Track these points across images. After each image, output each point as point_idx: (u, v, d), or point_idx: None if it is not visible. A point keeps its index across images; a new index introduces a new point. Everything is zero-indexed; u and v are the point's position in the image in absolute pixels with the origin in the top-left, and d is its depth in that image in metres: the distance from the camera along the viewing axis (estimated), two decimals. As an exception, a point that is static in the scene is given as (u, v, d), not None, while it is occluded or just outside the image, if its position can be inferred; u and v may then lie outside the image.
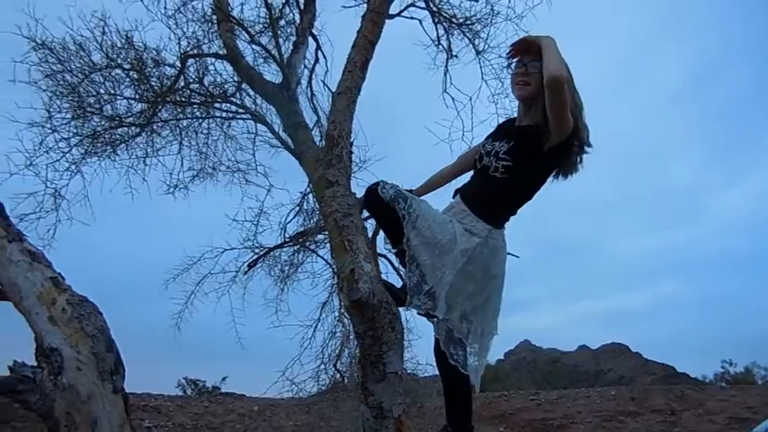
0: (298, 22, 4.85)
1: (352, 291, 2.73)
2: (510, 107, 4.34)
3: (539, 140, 2.53)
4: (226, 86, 4.51)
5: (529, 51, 2.57)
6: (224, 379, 18.40)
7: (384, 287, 2.88)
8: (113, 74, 4.50)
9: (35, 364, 2.57)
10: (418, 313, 2.90)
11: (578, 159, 2.64)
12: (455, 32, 4.87)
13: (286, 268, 5.09)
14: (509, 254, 4.46)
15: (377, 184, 2.83)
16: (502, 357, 30.48)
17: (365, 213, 3.51)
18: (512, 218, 2.82)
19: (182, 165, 4.72)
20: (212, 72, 4.59)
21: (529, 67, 2.56)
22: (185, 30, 4.75)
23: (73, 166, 4.38)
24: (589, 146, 2.62)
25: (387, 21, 4.31)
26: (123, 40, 4.54)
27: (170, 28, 4.69)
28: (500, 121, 3.03)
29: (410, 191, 3.06)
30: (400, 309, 2.93)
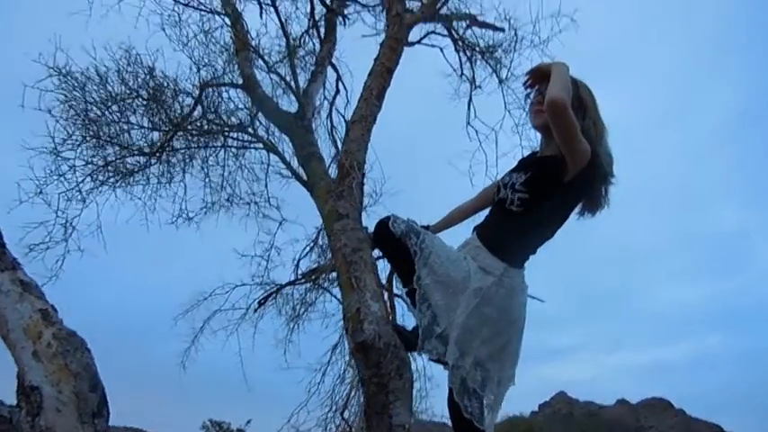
0: (318, 51, 4.78)
1: (356, 332, 2.52)
2: (535, 138, 4.13)
3: (558, 171, 2.30)
4: (240, 116, 4.42)
5: (544, 79, 2.39)
6: (248, 422, 17.91)
7: (393, 329, 2.66)
8: (133, 104, 4.45)
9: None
10: (430, 359, 2.66)
11: (602, 192, 2.40)
12: (477, 61, 4.72)
13: (297, 307, 4.90)
14: (532, 297, 4.13)
15: (388, 218, 2.63)
16: (536, 409, 29.28)
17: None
18: (532, 257, 2.59)
19: (185, 193, 4.61)
20: (227, 101, 4.52)
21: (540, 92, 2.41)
22: (205, 59, 4.72)
23: (87, 196, 4.31)
24: (611, 175, 2.38)
25: (407, 48, 4.21)
26: (146, 71, 4.53)
27: (190, 57, 4.68)
28: (524, 155, 2.83)
29: (427, 227, 2.87)
30: (413, 353, 2.70)
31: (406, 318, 3.95)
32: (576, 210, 2.47)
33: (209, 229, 5.00)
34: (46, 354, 2.45)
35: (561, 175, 2.29)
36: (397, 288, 4.08)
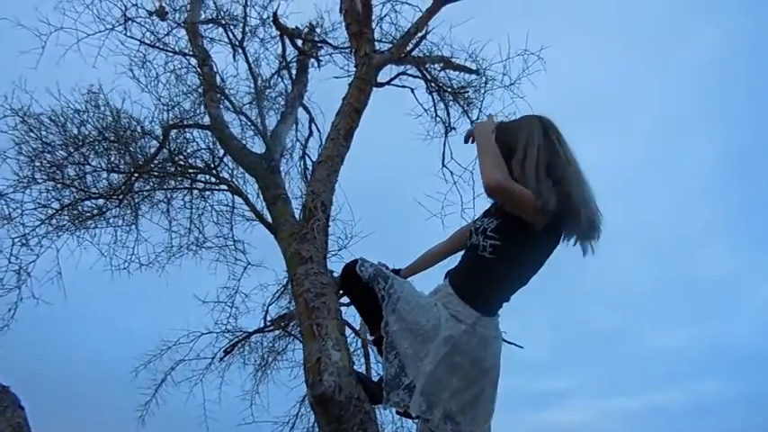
0: (288, 92, 4.72)
1: (315, 384, 2.34)
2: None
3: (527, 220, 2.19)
4: (205, 157, 4.31)
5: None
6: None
7: (357, 380, 2.49)
8: (97, 146, 4.32)
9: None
10: (397, 412, 2.48)
11: (588, 224, 2.25)
12: (450, 102, 4.68)
13: (266, 355, 4.67)
14: (510, 343, 3.95)
15: (355, 261, 2.50)
16: None
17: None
18: (506, 304, 2.46)
19: (136, 238, 4.45)
20: (192, 142, 4.41)
21: None
22: (173, 100, 4.63)
23: (41, 241, 4.11)
24: (590, 228, 2.22)
25: (378, 89, 4.16)
26: (113, 113, 4.42)
27: (158, 98, 4.59)
28: None
29: (397, 271, 2.74)
30: (380, 406, 2.52)
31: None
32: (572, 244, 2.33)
33: (175, 273, 4.82)
34: (-28, 414, 2.26)
35: (531, 223, 2.18)
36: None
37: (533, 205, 2.10)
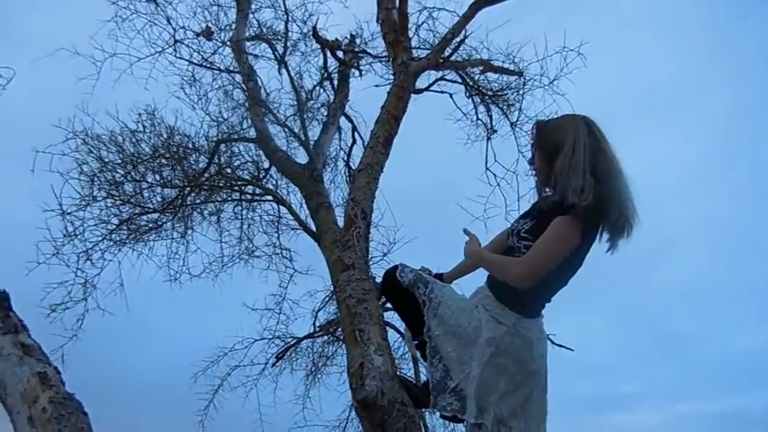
0: (330, 102, 4.84)
1: (357, 389, 2.39)
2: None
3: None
4: (251, 169, 4.47)
5: (531, 140, 2.40)
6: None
7: (401, 385, 2.52)
8: (153, 164, 4.55)
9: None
10: (442, 416, 2.50)
11: (615, 231, 2.23)
12: (490, 105, 4.67)
13: (317, 360, 4.78)
14: (560, 346, 3.89)
15: (395, 267, 2.53)
16: None
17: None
18: (547, 305, 2.44)
19: (186, 250, 4.64)
20: (239, 156, 4.59)
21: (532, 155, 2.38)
22: (222, 115, 4.82)
23: (103, 255, 4.36)
24: (624, 227, 2.19)
25: (416, 95, 4.20)
26: (167, 131, 4.64)
27: (208, 114, 4.79)
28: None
29: (440, 275, 2.75)
30: (425, 411, 2.54)
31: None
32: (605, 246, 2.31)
33: (229, 282, 4.99)
34: (40, 419, 2.40)
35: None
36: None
37: (568, 241, 2.11)
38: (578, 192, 2.08)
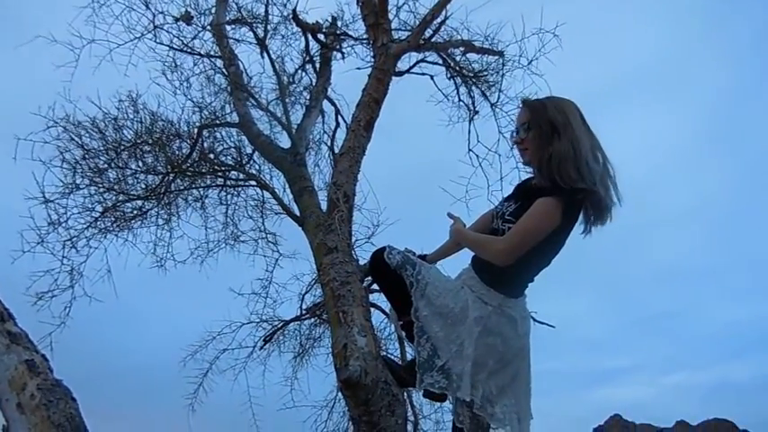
0: (313, 86, 4.83)
1: (342, 369, 2.45)
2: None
3: None
4: (234, 154, 4.47)
5: (521, 117, 2.40)
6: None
7: (384, 365, 2.59)
8: (136, 150, 4.53)
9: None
10: (425, 394, 2.56)
11: (597, 216, 2.27)
12: (472, 87, 4.69)
13: (304, 342, 4.84)
14: (542, 323, 3.98)
15: (383, 249, 2.58)
16: None
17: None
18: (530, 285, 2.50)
19: (170, 237, 4.66)
20: (222, 141, 4.58)
21: (521, 132, 2.36)
22: (204, 101, 4.80)
23: (89, 242, 4.36)
24: (601, 189, 2.22)
25: (398, 78, 4.21)
26: (150, 117, 4.62)
27: (191, 100, 4.76)
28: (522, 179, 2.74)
29: (423, 257, 2.80)
30: (409, 389, 2.60)
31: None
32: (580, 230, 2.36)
33: (215, 267, 5.01)
34: (29, 405, 2.45)
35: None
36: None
37: (549, 221, 2.17)
38: (575, 179, 2.13)
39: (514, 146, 2.47)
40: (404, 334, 2.76)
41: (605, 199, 2.22)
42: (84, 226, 4.36)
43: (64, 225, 4.15)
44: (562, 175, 2.15)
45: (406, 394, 3.72)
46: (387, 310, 4.38)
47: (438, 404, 4.54)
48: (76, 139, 4.11)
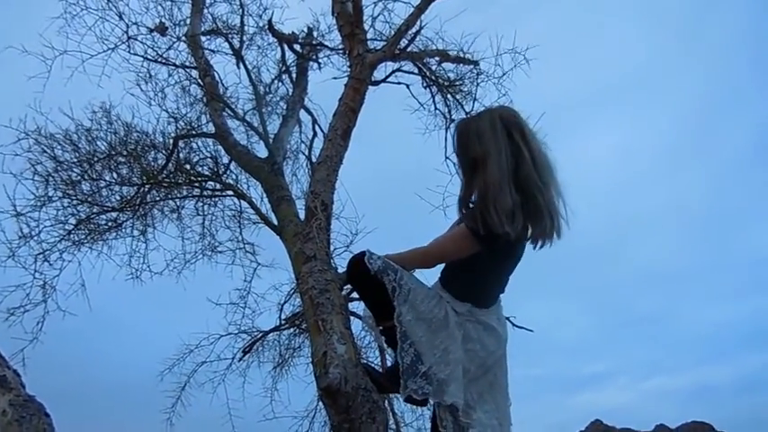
0: (289, 95, 4.84)
1: (321, 377, 2.44)
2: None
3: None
4: (210, 164, 4.45)
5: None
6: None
7: (364, 372, 2.57)
8: (110, 162, 4.48)
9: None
10: (406, 400, 2.55)
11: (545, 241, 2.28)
12: (448, 96, 4.74)
13: (284, 353, 4.81)
14: (521, 327, 4.02)
15: (362, 253, 2.53)
16: None
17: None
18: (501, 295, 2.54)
19: (146, 248, 4.62)
20: (198, 151, 4.56)
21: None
22: (178, 112, 4.78)
23: (61, 256, 4.29)
24: (550, 233, 2.25)
25: (374, 87, 4.24)
26: (124, 128, 4.57)
27: (166, 111, 4.73)
28: None
29: None
30: (390, 396, 2.59)
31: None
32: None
33: (193, 278, 4.96)
34: (1, 422, 2.39)
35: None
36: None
37: (461, 249, 2.28)
38: (510, 215, 2.11)
39: None
40: (383, 340, 2.75)
41: (552, 220, 2.23)
42: (57, 239, 4.29)
43: (36, 238, 4.08)
44: (489, 221, 2.12)
45: (387, 402, 3.72)
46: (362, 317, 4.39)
47: (420, 411, 4.58)
48: (48, 151, 4.06)
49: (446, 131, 5.03)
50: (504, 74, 4.47)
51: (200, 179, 4.37)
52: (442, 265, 2.54)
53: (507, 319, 3.89)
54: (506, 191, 2.13)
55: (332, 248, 3.42)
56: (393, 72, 4.40)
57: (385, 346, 3.17)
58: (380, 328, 2.59)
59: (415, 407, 4.19)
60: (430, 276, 2.65)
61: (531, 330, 4.14)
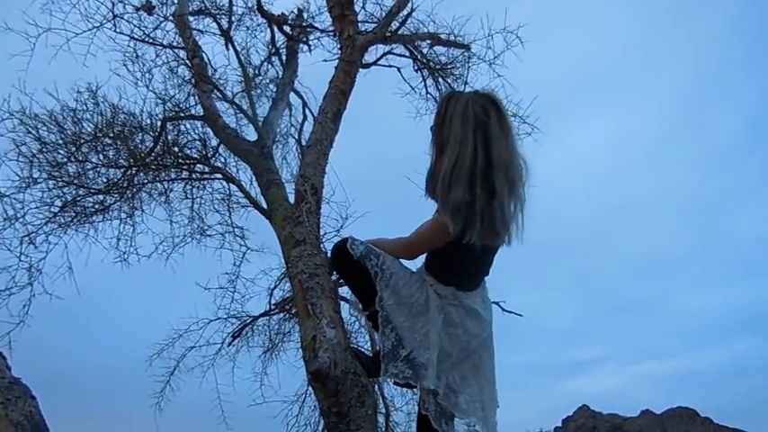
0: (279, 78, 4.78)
1: (310, 361, 2.43)
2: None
3: None
4: (199, 147, 4.39)
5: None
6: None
7: (354, 356, 2.58)
8: (96, 144, 4.40)
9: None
10: (395, 383, 2.56)
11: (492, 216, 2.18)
12: (440, 79, 4.70)
13: (274, 338, 4.79)
14: (510, 312, 4.02)
15: (345, 240, 2.57)
16: (559, 425, 28.75)
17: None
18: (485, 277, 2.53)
19: (133, 231, 4.56)
20: (186, 134, 4.49)
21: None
22: (165, 93, 4.70)
23: (47, 238, 4.23)
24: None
25: (365, 70, 4.19)
26: (111, 110, 4.49)
27: (153, 92, 4.65)
28: None
29: None
30: (379, 380, 2.59)
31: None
32: None
33: (182, 262, 4.92)
34: (-14, 405, 2.37)
35: None
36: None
37: (435, 237, 2.28)
38: (455, 211, 2.12)
39: None
40: (370, 324, 2.75)
41: (504, 226, 2.20)
42: (43, 221, 4.22)
43: (21, 220, 4.01)
44: (445, 204, 2.15)
45: (377, 386, 3.72)
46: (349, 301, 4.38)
47: (410, 395, 4.60)
48: (33, 131, 3.98)
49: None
50: (495, 56, 4.42)
51: (188, 162, 4.31)
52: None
53: (497, 303, 3.91)
54: (458, 186, 2.12)
55: (322, 233, 3.39)
56: (384, 55, 4.36)
57: (371, 329, 3.16)
58: (366, 312, 2.60)
59: (405, 390, 4.23)
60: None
61: (520, 315, 4.14)
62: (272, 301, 4.66)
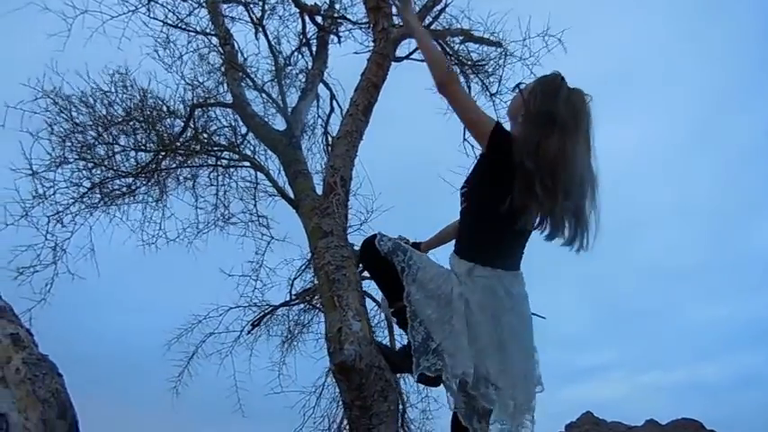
0: (309, 69, 4.76)
1: (336, 353, 2.42)
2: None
3: (482, 159, 2.38)
4: (228, 134, 4.39)
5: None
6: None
7: (378, 350, 2.56)
8: (126, 127, 4.43)
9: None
10: (419, 380, 2.51)
11: (536, 193, 2.17)
12: (470, 75, 4.65)
13: (292, 328, 4.79)
14: (534, 314, 3.97)
15: (374, 235, 2.57)
16: (562, 430, 28.63)
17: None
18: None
19: (162, 215, 4.58)
20: (216, 120, 4.50)
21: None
22: (197, 79, 4.71)
23: (74, 218, 4.27)
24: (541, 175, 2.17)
25: (396, 64, 4.16)
26: (140, 93, 4.51)
27: (183, 78, 4.66)
28: None
29: (417, 245, 2.81)
30: (405, 375, 2.56)
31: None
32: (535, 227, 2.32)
33: (204, 248, 4.93)
34: (14, 380, 2.37)
35: (484, 161, 2.34)
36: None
37: (469, 112, 2.35)
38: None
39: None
40: (395, 321, 2.72)
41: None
42: (71, 201, 4.26)
43: (50, 199, 4.05)
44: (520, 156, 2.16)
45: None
46: (378, 299, 4.36)
47: (425, 392, 4.57)
48: (65, 112, 4.01)
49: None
50: (534, 63, 4.36)
51: (216, 149, 4.32)
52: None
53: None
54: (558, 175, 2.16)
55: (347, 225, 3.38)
56: (416, 49, 4.30)
57: (397, 326, 3.13)
58: (392, 309, 2.58)
59: (422, 386, 4.19)
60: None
61: (543, 317, 4.07)
62: (293, 292, 4.67)
